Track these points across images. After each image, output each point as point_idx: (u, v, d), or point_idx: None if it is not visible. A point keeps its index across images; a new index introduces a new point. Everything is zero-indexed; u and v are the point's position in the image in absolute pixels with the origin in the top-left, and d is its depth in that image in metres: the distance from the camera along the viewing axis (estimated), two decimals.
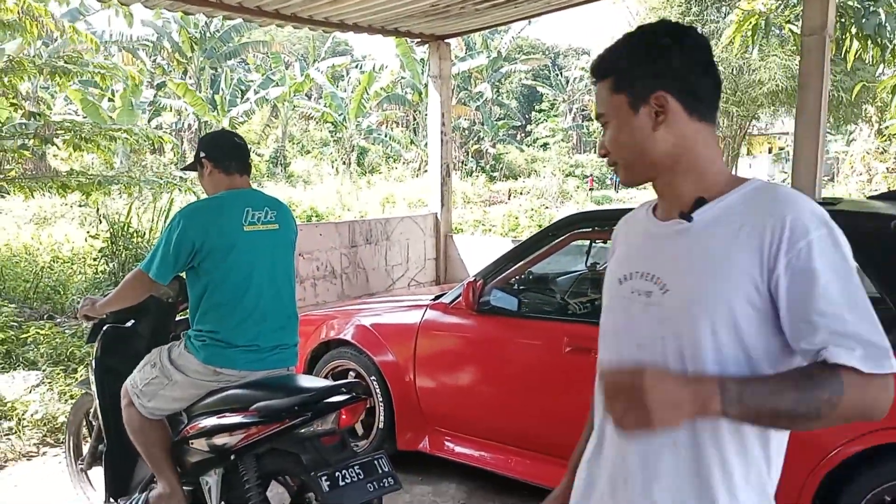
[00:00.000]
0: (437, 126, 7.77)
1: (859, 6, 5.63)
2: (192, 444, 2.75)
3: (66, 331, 6.00)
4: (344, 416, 2.55)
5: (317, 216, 13.32)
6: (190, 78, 27.38)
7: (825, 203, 3.27)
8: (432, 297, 4.07)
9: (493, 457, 3.60)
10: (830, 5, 5.03)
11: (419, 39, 7.65)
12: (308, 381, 2.80)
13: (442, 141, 7.77)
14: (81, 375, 5.00)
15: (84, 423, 3.55)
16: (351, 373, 4.14)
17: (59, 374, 5.16)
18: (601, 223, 3.78)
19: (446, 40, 7.77)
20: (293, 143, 32.41)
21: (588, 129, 43.35)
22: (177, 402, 2.77)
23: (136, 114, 21.73)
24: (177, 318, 3.22)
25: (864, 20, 5.54)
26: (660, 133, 1.20)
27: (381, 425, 3.99)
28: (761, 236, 1.11)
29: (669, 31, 1.23)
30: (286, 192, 17.10)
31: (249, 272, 2.72)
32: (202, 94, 25.58)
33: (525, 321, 3.55)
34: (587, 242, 4.27)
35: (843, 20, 5.84)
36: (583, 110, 46.81)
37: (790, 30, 5.91)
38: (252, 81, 29.30)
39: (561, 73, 48.27)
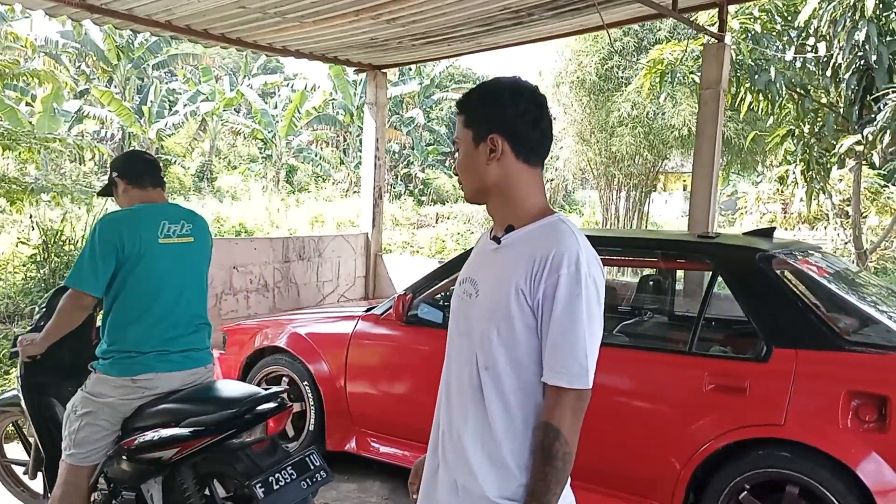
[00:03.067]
0: (371, 150, 8.14)
1: (752, 63, 6.34)
2: (129, 457, 2.77)
3: None
4: (271, 424, 2.70)
5: (246, 232, 13.39)
6: (115, 87, 26.77)
7: (705, 236, 3.80)
8: (364, 309, 4.40)
9: (414, 456, 3.89)
10: (725, 63, 5.70)
11: (357, 68, 8.03)
12: (236, 390, 2.89)
13: (375, 165, 8.15)
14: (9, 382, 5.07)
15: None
16: (284, 378, 4.42)
17: None
18: None
19: (383, 70, 8.18)
20: (220, 158, 32.04)
21: None
22: (110, 431, 2.76)
23: (57, 120, 21.12)
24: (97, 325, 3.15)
25: (756, 76, 6.26)
26: (491, 166, 1.51)
27: (311, 427, 4.27)
28: (535, 262, 1.42)
29: (511, 87, 1.53)
30: (214, 207, 17.01)
31: (160, 282, 2.75)
32: (128, 103, 25.06)
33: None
34: None
35: (738, 75, 6.55)
36: None
37: (693, 80, 6.58)
38: (181, 93, 28.90)
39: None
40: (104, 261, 2.67)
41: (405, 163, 32.50)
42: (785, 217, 12.42)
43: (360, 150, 19.04)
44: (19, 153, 7.95)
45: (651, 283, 4.61)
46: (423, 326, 3.88)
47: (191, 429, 2.65)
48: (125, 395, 2.72)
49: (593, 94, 11.95)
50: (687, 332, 3.45)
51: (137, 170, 2.94)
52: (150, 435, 2.71)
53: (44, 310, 3.20)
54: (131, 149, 13.73)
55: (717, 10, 5.72)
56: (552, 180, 18.53)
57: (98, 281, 2.68)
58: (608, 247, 3.92)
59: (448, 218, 21.88)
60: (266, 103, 29.57)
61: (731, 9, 6.25)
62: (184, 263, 2.86)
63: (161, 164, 3.09)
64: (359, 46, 6.94)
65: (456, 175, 1.62)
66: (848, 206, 9.66)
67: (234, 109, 31.69)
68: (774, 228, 3.99)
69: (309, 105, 26.58)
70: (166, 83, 30.60)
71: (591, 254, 1.47)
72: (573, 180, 32.98)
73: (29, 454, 3.46)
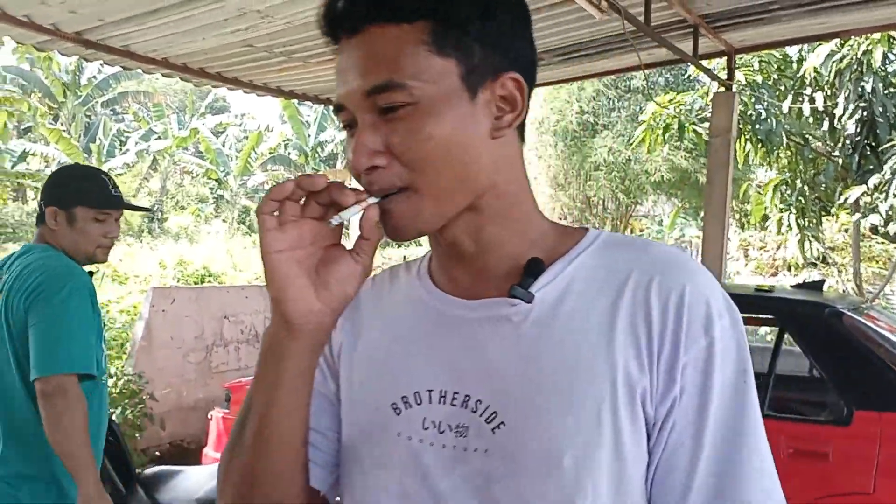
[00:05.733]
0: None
1: (753, 112, 6.43)
2: None
3: None
4: None
5: (211, 276, 12.88)
6: (62, 124, 25.94)
7: (762, 290, 3.70)
8: None
9: None
10: (734, 111, 5.74)
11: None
12: None
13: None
14: None
15: None
16: None
17: None
18: None
19: None
20: (168, 198, 31.23)
21: None
22: None
23: (2, 157, 20.31)
24: None
25: (757, 126, 6.34)
26: (497, 144, 0.74)
27: None
28: (645, 319, 0.70)
29: None
30: (174, 250, 16.40)
31: None
32: (75, 141, 24.27)
33: None
34: None
35: (739, 125, 6.63)
36: None
37: (693, 131, 6.65)
38: (130, 131, 28.19)
39: None
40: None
41: None
42: (770, 264, 12.66)
43: None
44: None
45: None
46: None
47: None
48: None
49: (570, 141, 12.05)
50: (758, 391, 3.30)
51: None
52: None
53: None
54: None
55: (725, 58, 5.77)
56: None
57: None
58: None
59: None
60: (218, 142, 29.08)
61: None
62: None
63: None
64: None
65: (364, 174, 0.72)
66: (835, 253, 9.89)
67: (185, 148, 31.09)
68: (824, 281, 3.93)
69: (265, 146, 26.26)
70: (116, 121, 29.86)
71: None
72: None
73: None
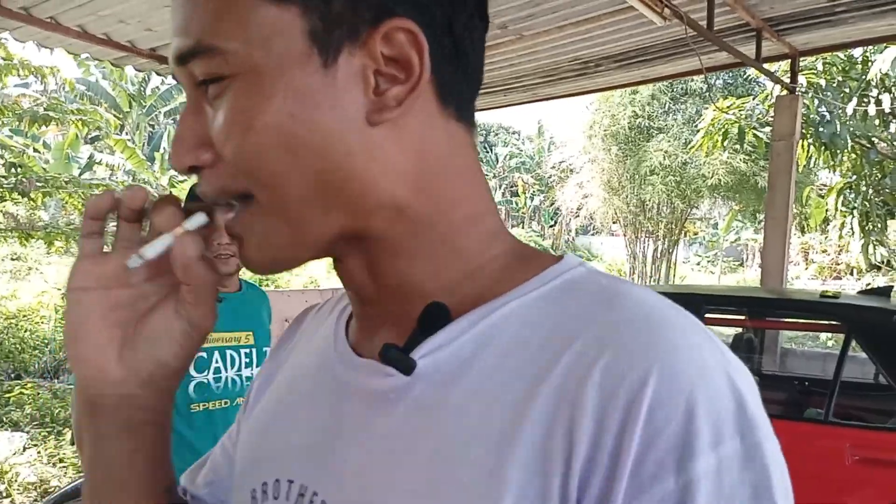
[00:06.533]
0: None
1: (816, 115, 6.32)
2: None
3: (44, 392, 5.79)
4: None
5: (266, 280, 13.21)
6: (126, 134, 26.93)
7: (827, 295, 3.65)
8: None
9: None
10: (798, 114, 5.66)
11: None
12: None
13: None
14: (68, 439, 4.86)
15: None
16: None
17: (44, 435, 4.99)
18: None
19: None
20: None
21: (516, 205, 44.77)
22: None
23: (70, 167, 21.15)
24: None
25: (821, 129, 6.23)
26: (384, 129, 0.48)
27: None
28: (568, 430, 0.42)
29: None
30: None
31: None
32: (139, 150, 25.14)
33: None
34: None
35: (801, 128, 6.51)
36: (512, 186, 48.35)
37: (754, 135, 6.56)
38: None
39: (491, 150, 49.93)
40: None
41: None
42: (832, 268, 12.36)
43: None
44: (70, 197, 7.87)
45: (746, 341, 4.45)
46: None
47: None
48: None
49: (624, 145, 11.97)
50: (820, 397, 3.28)
51: None
52: None
53: None
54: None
55: (789, 61, 5.70)
56: (553, 225, 18.27)
57: None
58: (722, 306, 3.78)
59: None
60: None
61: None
62: None
63: None
64: None
65: (190, 174, 0.51)
66: None
67: None
68: (892, 287, 3.86)
69: None
70: None
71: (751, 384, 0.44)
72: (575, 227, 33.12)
73: None
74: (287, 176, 0.47)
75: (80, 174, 25.63)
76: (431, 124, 0.49)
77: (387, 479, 0.47)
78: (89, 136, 27.66)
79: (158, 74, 5.92)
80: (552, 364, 0.44)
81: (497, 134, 59.94)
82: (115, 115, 26.98)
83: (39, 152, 21.02)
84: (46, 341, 7.11)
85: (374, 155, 0.47)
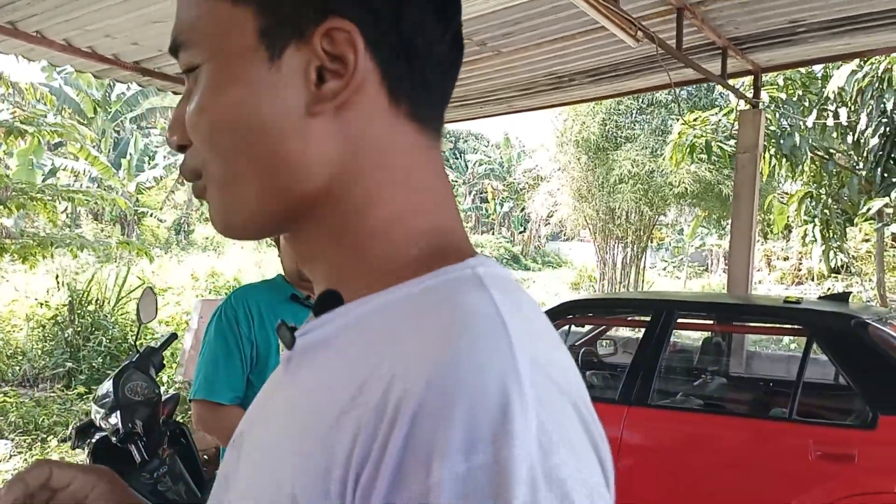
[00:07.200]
0: None
1: (778, 129, 6.61)
2: None
3: (26, 400, 5.78)
4: None
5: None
6: (91, 140, 26.51)
7: (790, 302, 3.88)
8: None
9: None
10: (761, 128, 5.93)
11: None
12: None
13: None
14: (53, 446, 4.89)
15: None
16: None
17: (28, 443, 5.00)
18: (596, 310, 4.26)
19: None
20: (194, 210, 31.76)
21: (486, 211, 44.97)
22: None
23: (34, 173, 20.85)
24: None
25: (782, 141, 6.52)
26: (323, 123, 0.52)
27: None
28: (361, 416, 0.44)
29: None
30: (203, 261, 16.72)
31: None
32: (104, 157, 24.83)
33: None
34: (584, 327, 4.74)
35: (764, 141, 6.80)
36: (482, 193, 48.56)
37: (720, 147, 6.85)
38: (158, 146, 28.74)
39: (462, 157, 50.12)
40: None
41: None
42: (794, 273, 12.78)
43: None
44: (45, 207, 7.83)
45: (715, 345, 4.67)
46: None
47: None
48: None
49: (594, 154, 12.26)
50: (784, 397, 3.49)
51: None
52: None
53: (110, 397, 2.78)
54: None
55: (752, 77, 5.96)
56: (522, 232, 18.66)
57: None
58: (693, 311, 3.98)
59: None
60: None
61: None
62: None
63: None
64: None
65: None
66: (858, 264, 9.99)
67: None
68: (850, 293, 4.10)
69: None
70: (143, 136, 30.43)
71: (554, 389, 0.45)
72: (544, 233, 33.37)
73: None
74: (229, 155, 0.53)
75: (43, 180, 25.22)
76: (375, 121, 0.52)
77: (264, 434, 0.55)
78: (52, 143, 27.24)
79: (140, 86, 5.97)
80: (374, 367, 0.46)
81: (467, 140, 60.10)
82: (79, 121, 26.62)
83: (0, 159, 20.72)
84: (22, 350, 7.09)
85: (309, 143, 0.51)
